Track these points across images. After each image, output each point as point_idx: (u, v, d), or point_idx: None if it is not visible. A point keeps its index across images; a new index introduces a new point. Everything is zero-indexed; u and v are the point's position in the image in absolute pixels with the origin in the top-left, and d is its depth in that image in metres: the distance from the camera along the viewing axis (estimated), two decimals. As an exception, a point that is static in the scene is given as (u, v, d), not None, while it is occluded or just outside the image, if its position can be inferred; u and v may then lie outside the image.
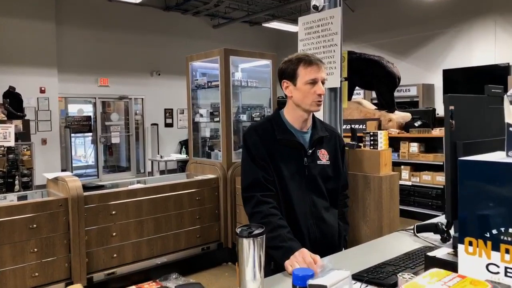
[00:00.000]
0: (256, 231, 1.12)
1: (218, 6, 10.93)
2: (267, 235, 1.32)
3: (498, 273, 0.80)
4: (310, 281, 0.67)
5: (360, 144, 3.59)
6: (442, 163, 5.56)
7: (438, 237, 1.60)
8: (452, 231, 1.56)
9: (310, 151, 1.75)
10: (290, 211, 1.69)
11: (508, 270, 0.79)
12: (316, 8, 3.22)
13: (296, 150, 1.73)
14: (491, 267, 0.81)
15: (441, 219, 1.76)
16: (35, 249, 3.16)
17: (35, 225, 3.15)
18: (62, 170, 9.42)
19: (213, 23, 12.15)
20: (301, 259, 1.34)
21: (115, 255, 3.57)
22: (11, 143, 5.17)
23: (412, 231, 1.67)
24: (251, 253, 1.12)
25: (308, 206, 1.71)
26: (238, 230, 1.13)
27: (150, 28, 10.78)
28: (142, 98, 11.04)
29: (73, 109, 10.63)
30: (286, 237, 1.51)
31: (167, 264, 3.85)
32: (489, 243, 0.81)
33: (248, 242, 1.10)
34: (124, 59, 10.42)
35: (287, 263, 1.37)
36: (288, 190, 1.69)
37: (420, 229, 1.64)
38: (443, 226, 1.56)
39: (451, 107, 1.03)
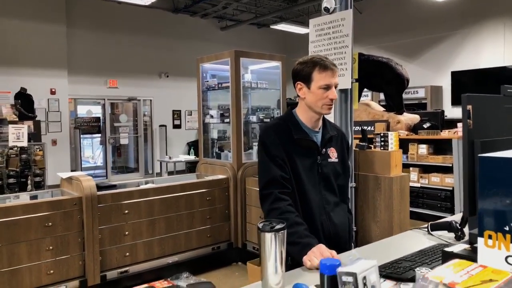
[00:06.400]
0: (278, 226, 1.16)
1: (226, 8, 11.00)
2: (284, 232, 1.36)
3: (517, 265, 0.83)
4: (340, 269, 0.71)
5: (370, 145, 3.63)
6: (451, 165, 5.55)
7: (452, 235, 1.62)
8: (466, 229, 1.59)
9: (324, 150, 1.79)
10: (305, 208, 1.73)
11: (527, 262, 0.82)
12: (327, 10, 3.26)
13: (310, 149, 1.78)
14: (510, 259, 0.84)
15: (454, 217, 1.78)
16: (51, 247, 3.21)
17: (50, 223, 3.21)
18: (72, 171, 9.53)
19: (221, 25, 12.23)
20: (319, 253, 1.38)
21: (127, 253, 3.62)
22: (24, 143, 5.25)
23: (426, 229, 1.70)
24: (273, 247, 1.15)
25: (322, 202, 1.76)
26: (260, 225, 1.17)
27: (159, 30, 10.88)
28: (151, 100, 11.14)
29: (82, 110, 10.74)
30: (303, 233, 1.55)
31: (178, 263, 3.89)
32: (508, 236, 0.84)
33: (270, 237, 1.14)
34: (133, 61, 10.53)
35: (305, 258, 1.41)
36: (303, 188, 1.74)
37: (434, 228, 1.67)
38: (457, 225, 1.59)
39: (469, 107, 1.06)
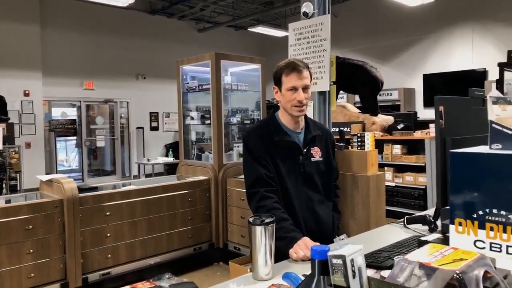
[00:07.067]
0: (267, 220, 1.23)
1: (204, 11, 11.03)
2: (271, 227, 1.43)
3: (484, 248, 0.94)
4: (330, 253, 0.79)
5: (348, 145, 3.75)
6: (423, 164, 5.77)
7: (426, 228, 1.74)
8: (438, 222, 1.71)
9: (305, 150, 1.88)
10: (288, 206, 1.82)
11: (493, 245, 0.93)
12: (306, 15, 3.36)
13: (292, 149, 1.86)
14: (478, 243, 0.95)
15: (428, 212, 1.90)
16: (31, 250, 3.18)
17: (31, 226, 3.18)
18: (47, 174, 9.32)
19: (198, 27, 12.24)
20: (304, 246, 1.47)
21: (109, 255, 3.62)
22: (0, 147, 5.14)
23: (402, 223, 1.81)
24: (263, 240, 1.23)
25: (305, 200, 1.85)
26: (251, 219, 1.24)
27: (136, 31, 10.80)
28: (128, 102, 11.04)
29: (57, 113, 10.53)
30: (289, 228, 1.63)
31: (160, 264, 3.91)
32: (476, 222, 0.95)
33: (261, 230, 1.22)
34: (110, 62, 10.41)
35: (291, 251, 1.50)
36: (286, 187, 1.82)
37: (410, 221, 1.79)
38: (431, 218, 1.71)
39: (441, 107, 1.17)
